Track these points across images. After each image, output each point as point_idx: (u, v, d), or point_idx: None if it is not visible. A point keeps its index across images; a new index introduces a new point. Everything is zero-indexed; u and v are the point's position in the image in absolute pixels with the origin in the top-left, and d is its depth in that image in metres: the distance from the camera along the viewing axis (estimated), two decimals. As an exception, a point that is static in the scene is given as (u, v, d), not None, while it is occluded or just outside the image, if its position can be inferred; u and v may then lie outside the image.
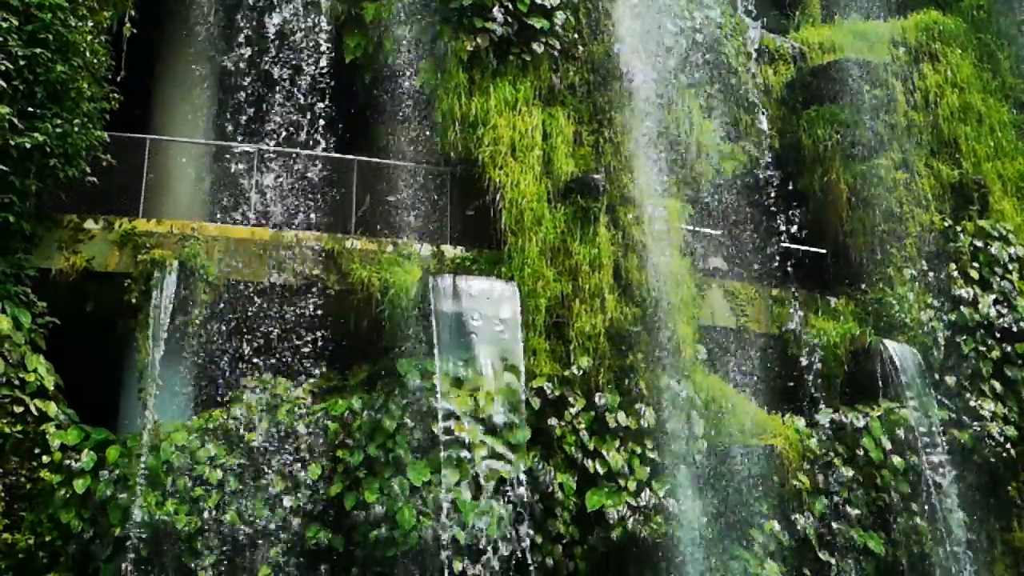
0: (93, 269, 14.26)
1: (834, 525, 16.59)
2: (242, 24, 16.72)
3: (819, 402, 17.96)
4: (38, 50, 13.46)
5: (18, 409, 12.98)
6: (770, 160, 20.02)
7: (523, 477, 14.04)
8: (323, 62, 16.43)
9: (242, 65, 16.58)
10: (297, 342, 14.83)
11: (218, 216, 15.80)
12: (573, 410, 15.14)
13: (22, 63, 13.33)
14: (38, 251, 13.96)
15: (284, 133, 16.20)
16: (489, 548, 13.60)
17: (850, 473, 17.06)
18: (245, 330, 14.74)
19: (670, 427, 15.56)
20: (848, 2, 23.47)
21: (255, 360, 14.66)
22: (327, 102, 16.33)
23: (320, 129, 16.28)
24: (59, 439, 13.16)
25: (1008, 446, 18.83)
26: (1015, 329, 19.77)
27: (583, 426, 15.10)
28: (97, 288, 14.37)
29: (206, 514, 13.07)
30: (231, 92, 16.79)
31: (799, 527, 16.18)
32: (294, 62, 16.43)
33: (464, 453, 13.89)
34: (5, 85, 13.11)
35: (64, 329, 13.86)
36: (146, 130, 16.04)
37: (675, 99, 18.56)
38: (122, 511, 12.81)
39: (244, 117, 16.50)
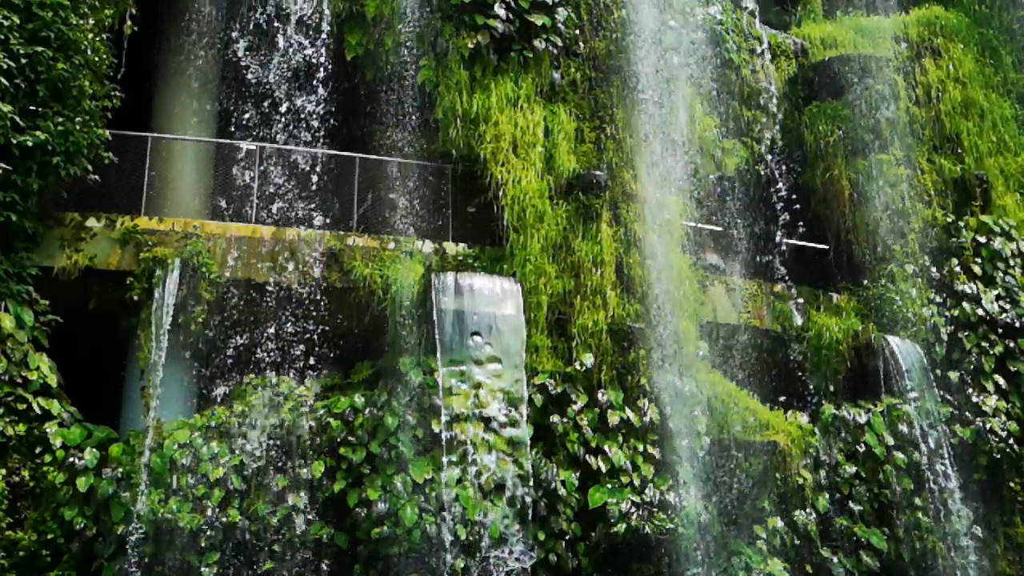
0: (95, 267, 14.28)
1: (836, 521, 16.60)
2: (244, 22, 16.71)
3: (821, 398, 17.95)
4: (39, 48, 13.48)
5: (21, 407, 13.02)
6: (772, 156, 20.00)
7: (525, 474, 14.05)
8: (324, 59, 16.42)
9: (244, 63, 16.57)
10: (299, 340, 14.83)
11: (220, 214, 15.81)
12: (575, 407, 15.14)
13: (23, 61, 13.34)
14: (40, 249, 13.97)
15: (285, 131, 16.19)
16: (491, 546, 13.61)
17: (852, 469, 17.06)
18: (247, 328, 14.74)
19: (673, 424, 15.57)
20: (849, -3, 23.48)
21: (257, 358, 14.67)
22: (328, 99, 16.33)
23: (322, 127, 16.26)
24: (62, 437, 13.18)
25: (1011, 441, 18.80)
26: (1017, 324, 19.75)
27: (585, 423, 15.10)
28: (99, 286, 14.39)
29: (209, 512, 13.08)
30: (233, 90, 16.79)
31: (801, 523, 16.18)
32: (296, 60, 16.42)
33: (466, 451, 13.92)
34: (7, 83, 13.11)
35: (66, 327, 13.87)
36: (148, 128, 16.06)
37: (677, 95, 18.52)
38: (125, 509, 12.85)
39: (246, 115, 16.50)
